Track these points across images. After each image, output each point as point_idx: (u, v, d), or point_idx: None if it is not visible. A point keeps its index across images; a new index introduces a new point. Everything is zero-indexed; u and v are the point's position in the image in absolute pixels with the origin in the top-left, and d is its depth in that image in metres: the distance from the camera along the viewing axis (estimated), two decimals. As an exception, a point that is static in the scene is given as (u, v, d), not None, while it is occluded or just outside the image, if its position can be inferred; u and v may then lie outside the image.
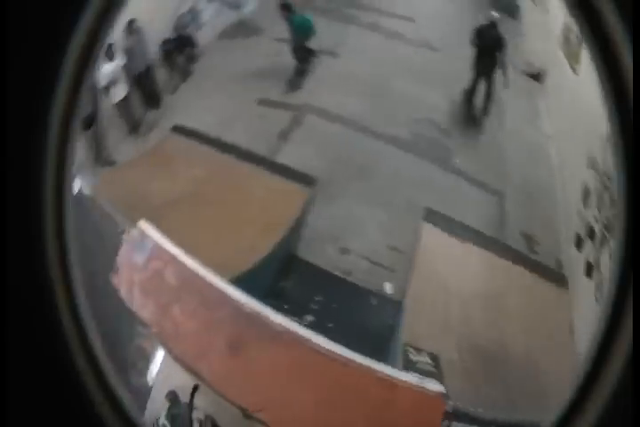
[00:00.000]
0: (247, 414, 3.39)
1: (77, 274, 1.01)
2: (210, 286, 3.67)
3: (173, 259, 3.75)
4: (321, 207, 4.86)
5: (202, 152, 5.62)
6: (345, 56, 7.45)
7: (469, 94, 6.53)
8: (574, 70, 6.04)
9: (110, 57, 6.21)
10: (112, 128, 6.54)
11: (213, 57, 7.68)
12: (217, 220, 4.69)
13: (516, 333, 4.32)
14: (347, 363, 3.51)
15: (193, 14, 8.09)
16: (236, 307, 3.54)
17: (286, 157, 5.52)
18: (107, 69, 6.29)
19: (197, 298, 3.68)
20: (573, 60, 6.20)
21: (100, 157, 6.29)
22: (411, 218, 4.78)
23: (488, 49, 6.77)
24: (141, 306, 3.79)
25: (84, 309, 1.03)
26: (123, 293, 3.83)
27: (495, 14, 6.69)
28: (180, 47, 7.44)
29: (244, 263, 4.06)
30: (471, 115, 6.41)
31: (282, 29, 8.17)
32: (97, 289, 4.64)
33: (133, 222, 4.29)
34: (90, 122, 5.97)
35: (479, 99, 6.37)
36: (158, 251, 3.84)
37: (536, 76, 7.09)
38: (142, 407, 3.69)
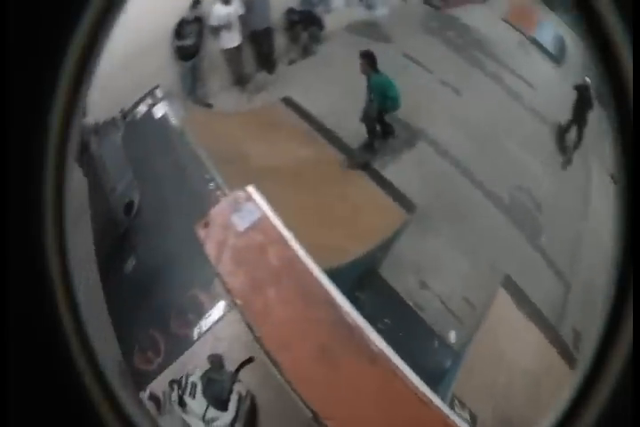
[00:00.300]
0: (316, 418, 3.36)
1: (77, 272, 0.98)
2: (314, 280, 3.65)
3: (281, 239, 3.69)
4: (413, 236, 4.93)
5: (311, 134, 5.65)
6: (466, 97, 7.59)
7: (564, 131, 7.31)
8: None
9: (226, 1, 6.26)
10: (215, 71, 6.51)
11: (338, 46, 7.70)
12: (311, 206, 4.66)
13: (543, 419, 4.42)
14: (425, 401, 3.54)
15: (326, -5, 8.13)
16: (339, 314, 3.54)
17: (392, 174, 5.60)
18: (220, 11, 6.29)
19: (299, 289, 3.62)
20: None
21: (194, 94, 6.25)
22: (491, 278, 4.91)
23: (581, 105, 7.32)
24: (230, 273, 3.68)
25: (85, 308, 0.99)
26: (208, 249, 3.74)
27: (588, 80, 7.08)
28: (306, 23, 7.46)
29: (328, 261, 3.96)
30: (562, 149, 7.01)
31: (413, 46, 8.27)
32: (160, 223, 4.56)
33: (227, 176, 4.32)
34: (190, 54, 6.15)
35: (571, 138, 7.04)
36: (265, 225, 3.77)
37: (615, 180, 7.39)
38: (173, 357, 3.65)
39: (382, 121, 7.78)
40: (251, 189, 3.98)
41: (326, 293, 3.55)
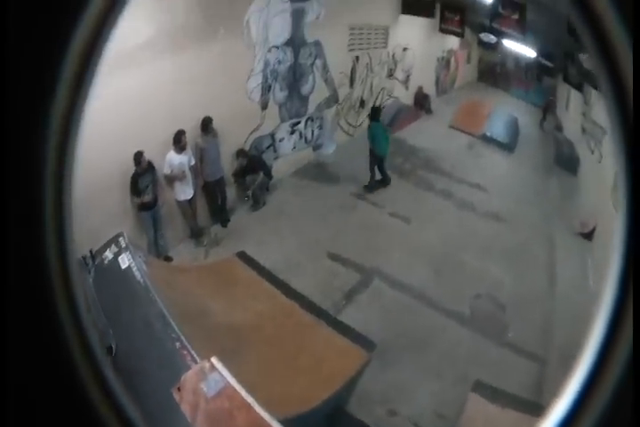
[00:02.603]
0: None
1: (79, 285, 0.94)
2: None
3: (246, 405, 4.51)
4: (376, 371, 5.89)
5: (266, 289, 6.65)
6: (417, 224, 9.20)
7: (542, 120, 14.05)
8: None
9: (180, 149, 7.47)
10: (173, 223, 7.83)
11: (288, 194, 9.29)
12: (272, 360, 5.58)
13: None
14: None
15: (273, 141, 9.70)
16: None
17: (349, 317, 6.69)
18: (174, 160, 7.51)
19: (267, 448, 4.38)
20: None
21: (155, 245, 7.56)
22: (460, 389, 5.83)
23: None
24: (205, 433, 4.54)
25: (84, 313, 0.93)
26: (184, 409, 4.61)
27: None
28: (256, 170, 8.82)
29: (293, 409, 4.84)
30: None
31: (358, 185, 10.03)
32: (136, 372, 4.97)
33: (190, 335, 5.11)
34: (150, 205, 7.37)
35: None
36: (230, 392, 4.61)
37: (588, 235, 8.94)
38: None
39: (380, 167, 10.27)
40: (214, 360, 4.77)
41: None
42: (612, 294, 0.92)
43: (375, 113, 10.97)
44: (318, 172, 10.35)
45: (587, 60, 9.13)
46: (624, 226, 0.91)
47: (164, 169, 7.50)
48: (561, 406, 0.93)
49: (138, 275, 5.67)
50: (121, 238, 6.01)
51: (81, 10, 0.87)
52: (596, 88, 9.34)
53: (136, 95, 6.41)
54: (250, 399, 4.54)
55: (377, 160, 10.36)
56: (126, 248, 5.92)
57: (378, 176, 10.34)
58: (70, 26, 0.87)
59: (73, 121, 0.91)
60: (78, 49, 0.88)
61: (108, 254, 5.96)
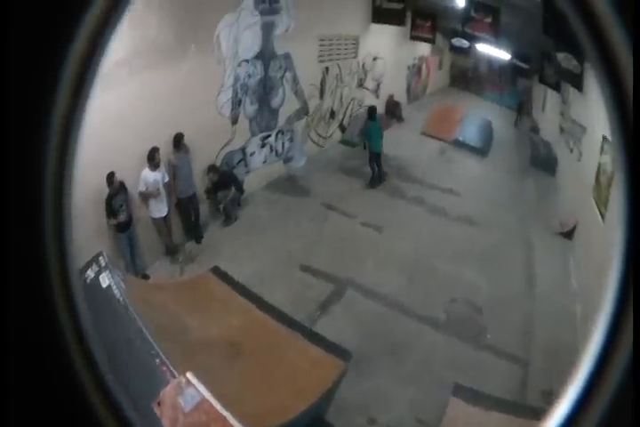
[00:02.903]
0: None
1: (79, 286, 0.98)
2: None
3: (221, 418, 4.71)
4: (353, 380, 6.00)
5: (241, 304, 6.78)
6: (389, 232, 9.41)
7: (517, 121, 15.95)
8: (603, 218, 7.67)
9: (155, 166, 7.57)
10: (148, 240, 7.88)
11: (260, 208, 9.45)
12: (250, 374, 5.70)
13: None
14: None
15: (244, 155, 9.86)
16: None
17: (324, 327, 6.81)
18: (148, 177, 7.58)
19: (241, 458, 4.55)
20: (603, 206, 7.63)
21: (133, 263, 7.64)
22: (440, 393, 5.91)
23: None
24: (183, 445, 4.73)
25: (84, 313, 0.95)
26: (165, 423, 4.79)
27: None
28: (227, 185, 8.94)
29: (271, 421, 4.97)
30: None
31: (332, 192, 10.20)
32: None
33: (168, 352, 5.21)
34: (125, 225, 7.40)
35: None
36: (206, 406, 4.80)
37: (568, 234, 9.20)
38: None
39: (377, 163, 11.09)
40: (189, 375, 4.92)
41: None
42: (611, 299, 0.91)
43: (372, 113, 11.40)
44: (289, 185, 10.56)
45: (564, 58, 9.17)
46: (624, 230, 0.91)
47: (138, 186, 7.55)
48: (559, 411, 0.93)
49: (117, 293, 5.79)
50: (101, 258, 6.14)
51: (83, 9, 0.88)
52: (574, 86, 9.49)
53: (108, 114, 6.48)
54: (225, 413, 4.68)
55: (375, 157, 11.21)
56: (106, 267, 6.05)
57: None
58: (72, 25, 0.88)
59: (74, 121, 0.92)
60: (80, 49, 0.90)
61: (90, 273, 6.07)
